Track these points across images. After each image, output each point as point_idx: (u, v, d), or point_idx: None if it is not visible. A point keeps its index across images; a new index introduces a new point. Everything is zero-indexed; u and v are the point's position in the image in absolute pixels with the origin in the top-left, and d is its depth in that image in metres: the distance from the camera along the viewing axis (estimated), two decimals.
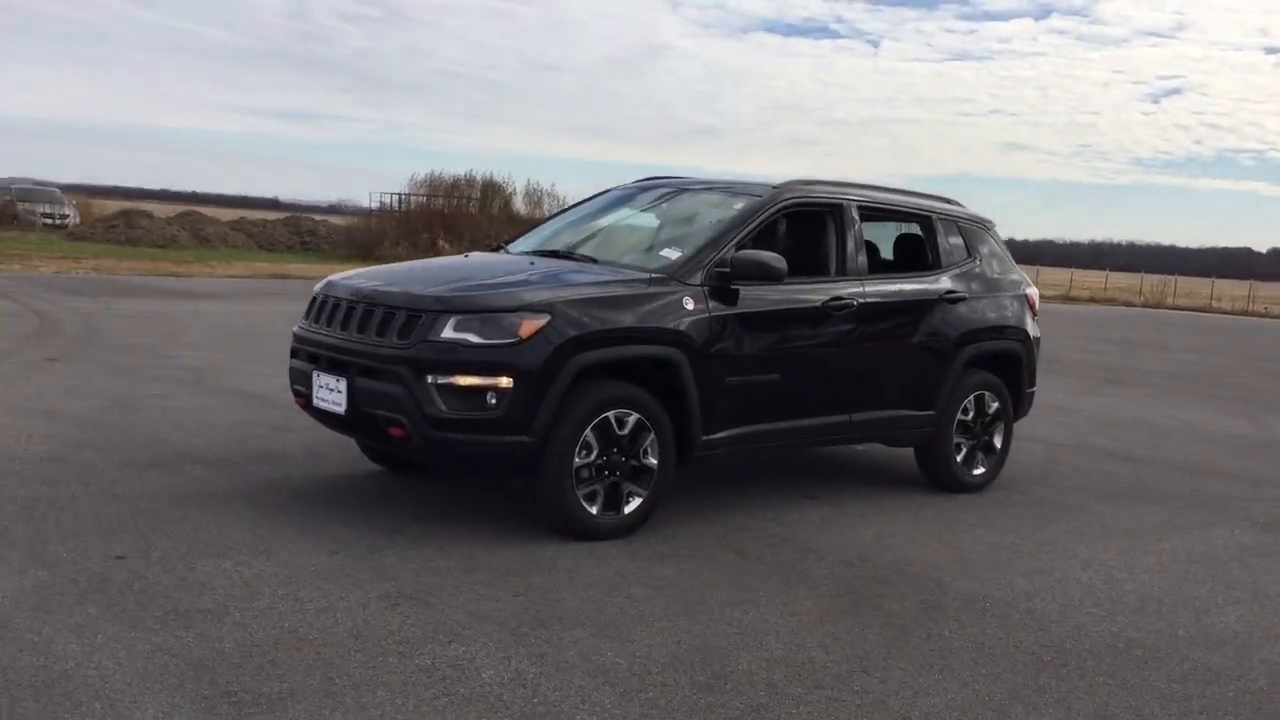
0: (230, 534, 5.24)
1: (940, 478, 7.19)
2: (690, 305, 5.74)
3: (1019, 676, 4.21)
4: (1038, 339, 7.76)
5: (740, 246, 6.03)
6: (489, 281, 5.68)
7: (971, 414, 7.20)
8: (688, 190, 6.89)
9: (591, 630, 4.36)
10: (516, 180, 44.78)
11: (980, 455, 7.32)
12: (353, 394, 5.47)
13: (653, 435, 5.62)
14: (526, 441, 5.29)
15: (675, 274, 5.83)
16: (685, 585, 4.98)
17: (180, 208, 45.02)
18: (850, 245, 6.60)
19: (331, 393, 5.60)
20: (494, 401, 5.22)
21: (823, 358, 6.38)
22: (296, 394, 5.99)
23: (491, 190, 38.61)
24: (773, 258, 5.88)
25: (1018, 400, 7.57)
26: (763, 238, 6.32)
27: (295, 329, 6.03)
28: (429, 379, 5.21)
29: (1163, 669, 4.39)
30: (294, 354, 5.99)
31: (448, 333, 5.26)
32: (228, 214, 44.17)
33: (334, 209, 59.37)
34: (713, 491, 6.72)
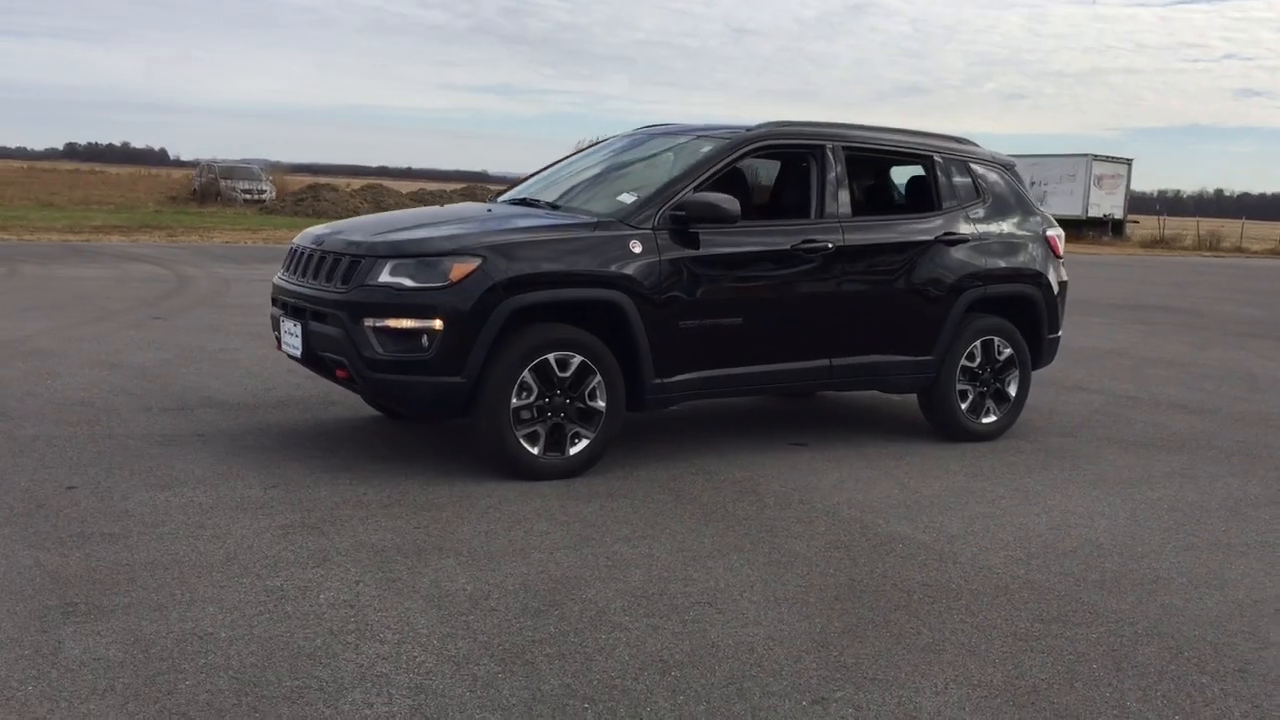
0: (190, 469, 5.58)
1: (945, 425, 6.98)
2: (638, 249, 5.75)
3: (871, 611, 4.12)
4: (1063, 283, 7.42)
5: (700, 189, 6.01)
6: (428, 227, 5.83)
7: (979, 360, 6.96)
8: (675, 138, 6.86)
9: (464, 560, 4.48)
10: None
11: (991, 403, 7.07)
12: (306, 337, 5.74)
13: (598, 378, 5.68)
14: (459, 382, 5.44)
15: (626, 218, 5.86)
16: (593, 522, 5.04)
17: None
18: (831, 187, 6.46)
19: (292, 337, 5.88)
20: (427, 343, 5.39)
21: (793, 301, 6.27)
22: (276, 340, 6.31)
23: None
24: (724, 199, 5.84)
25: (1036, 347, 7.26)
26: (729, 181, 6.27)
27: (274, 279, 6.34)
28: (366, 322, 5.42)
29: (1036, 610, 4.21)
30: (272, 301, 6.30)
31: (384, 277, 5.45)
32: (412, 186, 45.69)
33: None
34: (696, 435, 6.73)
